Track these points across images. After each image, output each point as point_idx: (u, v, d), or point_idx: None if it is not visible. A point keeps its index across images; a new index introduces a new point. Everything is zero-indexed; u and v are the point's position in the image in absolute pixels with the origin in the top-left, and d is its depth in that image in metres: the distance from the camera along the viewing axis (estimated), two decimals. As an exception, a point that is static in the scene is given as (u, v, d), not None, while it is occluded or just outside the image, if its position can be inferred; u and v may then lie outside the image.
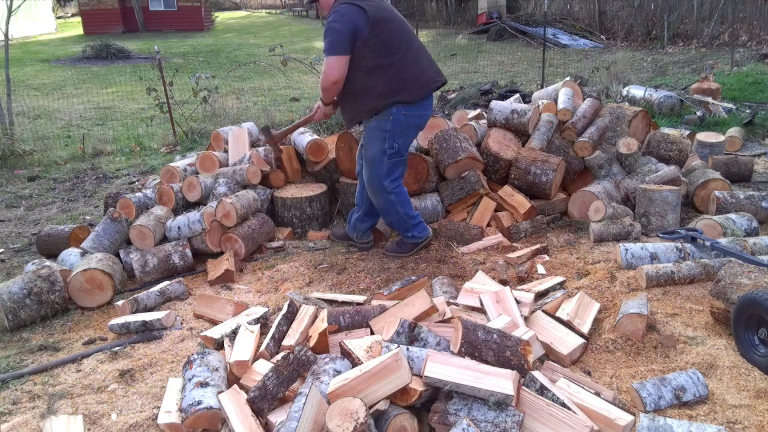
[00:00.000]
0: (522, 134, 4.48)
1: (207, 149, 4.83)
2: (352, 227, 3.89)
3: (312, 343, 2.43)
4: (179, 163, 4.53)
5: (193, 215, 3.80)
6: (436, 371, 1.96)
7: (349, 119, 3.64)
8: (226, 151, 4.58)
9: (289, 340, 2.52)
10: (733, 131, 5.89)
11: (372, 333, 2.56)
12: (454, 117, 4.84)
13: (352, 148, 4.25)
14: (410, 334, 2.22)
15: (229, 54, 17.49)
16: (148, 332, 2.96)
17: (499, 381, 1.95)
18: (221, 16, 32.74)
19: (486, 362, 2.07)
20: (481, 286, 2.92)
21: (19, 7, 8.39)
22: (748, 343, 2.44)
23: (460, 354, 2.11)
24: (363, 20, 3.23)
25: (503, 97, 6.83)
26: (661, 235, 3.43)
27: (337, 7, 3.29)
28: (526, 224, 3.94)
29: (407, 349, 2.12)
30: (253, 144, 4.83)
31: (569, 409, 2.01)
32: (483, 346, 2.11)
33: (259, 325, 2.73)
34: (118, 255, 3.75)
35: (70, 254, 3.70)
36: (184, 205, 4.10)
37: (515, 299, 2.71)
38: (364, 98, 3.41)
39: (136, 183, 5.74)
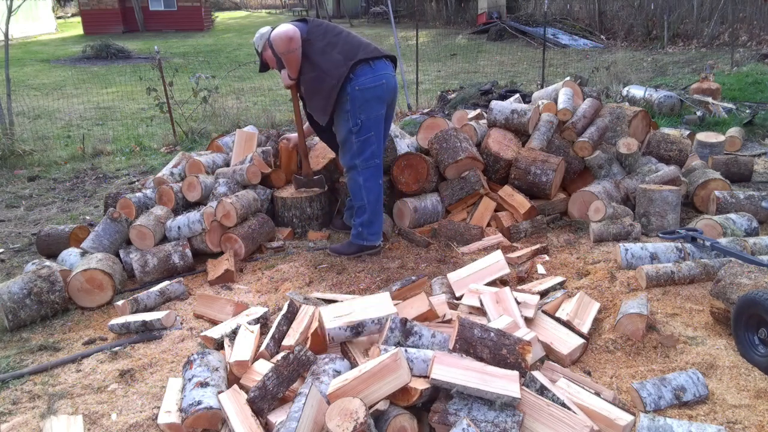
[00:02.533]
0: (522, 134, 4.48)
1: (208, 148, 4.85)
2: (349, 214, 4.06)
3: (307, 344, 2.43)
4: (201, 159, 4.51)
5: (193, 215, 3.80)
6: (443, 373, 1.96)
7: (320, 111, 3.65)
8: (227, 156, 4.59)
9: (289, 340, 2.52)
10: (733, 131, 5.89)
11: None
12: (454, 117, 4.84)
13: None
14: (403, 329, 2.22)
15: (229, 54, 17.49)
16: (148, 332, 2.96)
17: (506, 383, 1.95)
18: (221, 16, 32.75)
19: (481, 360, 2.07)
20: (483, 287, 2.92)
21: (19, 7, 8.39)
22: (748, 343, 2.44)
23: (454, 350, 2.12)
24: (302, 23, 3.59)
25: (503, 97, 6.83)
26: (661, 235, 3.43)
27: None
28: (526, 224, 3.94)
29: (406, 350, 2.12)
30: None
31: (569, 409, 2.01)
32: (478, 343, 2.11)
33: (259, 325, 2.73)
34: (118, 255, 3.75)
35: (70, 254, 3.70)
36: (184, 205, 4.10)
37: (518, 300, 2.71)
38: (328, 76, 3.50)
39: (136, 183, 5.74)
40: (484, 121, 4.76)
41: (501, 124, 4.51)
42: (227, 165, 4.42)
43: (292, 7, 36.57)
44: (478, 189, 4.06)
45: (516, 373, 2.00)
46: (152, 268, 3.60)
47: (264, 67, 3.90)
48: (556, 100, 4.72)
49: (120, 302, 3.16)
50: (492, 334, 2.15)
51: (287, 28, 3.50)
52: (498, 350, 2.11)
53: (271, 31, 3.68)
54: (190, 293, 3.44)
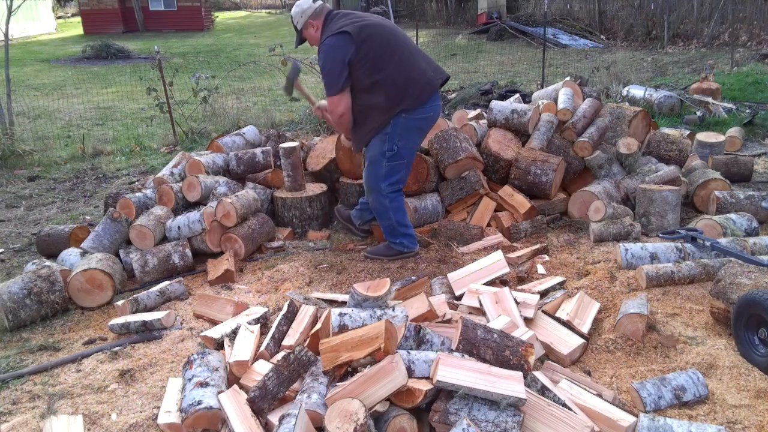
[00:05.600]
0: (522, 134, 4.48)
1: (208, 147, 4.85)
2: (357, 213, 4.00)
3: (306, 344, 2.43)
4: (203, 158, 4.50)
5: (193, 215, 3.80)
6: (448, 375, 1.95)
7: (357, 143, 3.58)
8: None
9: (289, 340, 2.52)
10: (733, 131, 5.89)
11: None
12: (454, 117, 4.85)
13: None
14: (417, 337, 2.23)
15: (229, 54, 17.48)
16: (148, 332, 2.96)
17: (512, 384, 1.95)
18: (221, 16, 32.72)
19: (485, 361, 2.07)
20: (482, 287, 2.92)
21: (19, 7, 8.39)
22: (748, 343, 2.44)
23: (457, 350, 2.12)
24: (349, 46, 3.24)
25: (503, 97, 6.83)
26: (661, 235, 3.43)
27: (324, 40, 3.31)
28: (526, 224, 3.94)
29: (408, 352, 2.12)
30: (254, 145, 4.85)
31: (570, 409, 2.01)
32: (481, 344, 2.11)
33: (259, 325, 2.74)
34: (118, 255, 3.75)
35: (70, 254, 3.70)
36: (184, 205, 4.09)
37: (517, 299, 2.71)
38: (371, 116, 3.39)
39: (136, 183, 5.74)
40: (484, 121, 4.76)
41: (501, 124, 4.51)
42: (227, 165, 4.42)
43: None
44: (478, 189, 4.06)
45: (520, 373, 2.01)
46: (152, 268, 3.60)
47: (301, 41, 3.59)
48: (556, 100, 4.72)
49: (120, 302, 3.16)
50: (495, 335, 2.15)
51: (338, 101, 3.27)
52: (501, 351, 2.11)
53: (315, 8, 3.39)
54: (190, 293, 3.44)
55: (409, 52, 3.43)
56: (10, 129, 7.15)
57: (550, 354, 2.52)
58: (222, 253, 3.81)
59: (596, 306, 2.84)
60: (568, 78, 6.30)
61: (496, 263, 3.14)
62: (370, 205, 3.68)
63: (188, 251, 3.72)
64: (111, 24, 25.33)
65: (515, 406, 1.93)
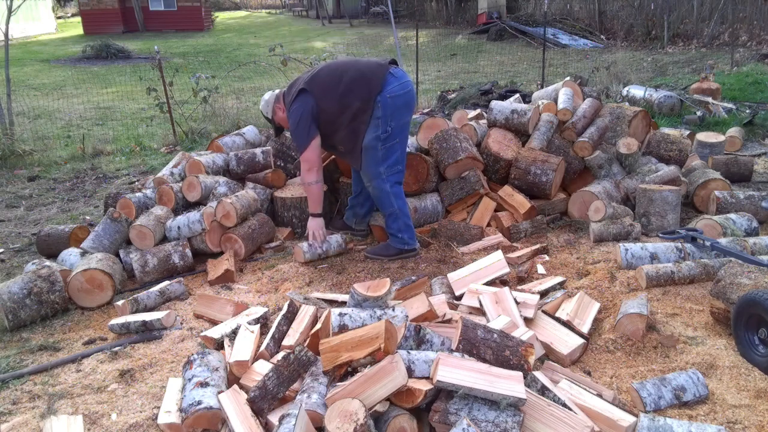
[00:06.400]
0: (522, 134, 4.48)
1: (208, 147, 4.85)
2: (350, 213, 4.08)
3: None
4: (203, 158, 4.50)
5: (193, 215, 3.80)
6: (449, 375, 1.95)
7: (354, 160, 3.69)
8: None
9: (289, 340, 2.52)
10: (733, 131, 5.89)
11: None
12: (454, 117, 4.84)
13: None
14: (417, 337, 2.23)
15: (229, 54, 17.49)
16: (148, 332, 2.96)
17: (512, 384, 1.95)
18: (221, 16, 32.73)
19: (485, 361, 2.07)
20: (482, 287, 2.92)
21: (19, 7, 8.39)
22: (748, 343, 2.44)
23: (457, 350, 2.12)
24: (309, 98, 3.51)
25: (503, 97, 6.83)
26: (661, 235, 3.43)
27: (290, 108, 3.57)
28: (526, 224, 3.94)
29: (408, 352, 2.12)
30: (254, 145, 4.85)
31: (570, 409, 2.01)
32: (481, 344, 2.11)
33: (259, 325, 2.74)
34: (118, 255, 3.75)
35: (70, 254, 3.70)
36: (184, 205, 4.09)
37: (517, 299, 2.71)
38: (358, 123, 3.53)
39: (136, 183, 5.74)
40: (484, 121, 4.75)
41: (501, 124, 4.51)
42: (227, 165, 4.42)
43: (292, 7, 36.56)
44: (478, 189, 4.06)
45: (520, 373, 2.01)
46: (152, 268, 3.60)
47: (279, 130, 3.93)
48: (556, 100, 4.72)
49: (120, 302, 3.16)
50: (495, 335, 2.15)
51: (310, 155, 3.51)
52: (501, 351, 2.11)
53: (275, 95, 3.76)
54: (190, 293, 3.44)
55: (354, 60, 3.77)
56: (10, 129, 7.15)
57: (550, 354, 2.52)
58: (222, 253, 3.81)
59: (596, 306, 2.84)
60: (568, 78, 6.30)
61: (496, 263, 3.14)
62: (371, 195, 3.73)
63: (188, 251, 3.72)
64: (111, 24, 25.34)
65: (515, 406, 1.93)
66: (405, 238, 3.66)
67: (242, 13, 37.60)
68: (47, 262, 3.50)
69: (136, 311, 3.16)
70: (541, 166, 4.08)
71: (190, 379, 2.30)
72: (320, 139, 3.56)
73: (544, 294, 2.96)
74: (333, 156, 4.40)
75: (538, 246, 3.65)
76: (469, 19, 21.92)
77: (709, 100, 7.13)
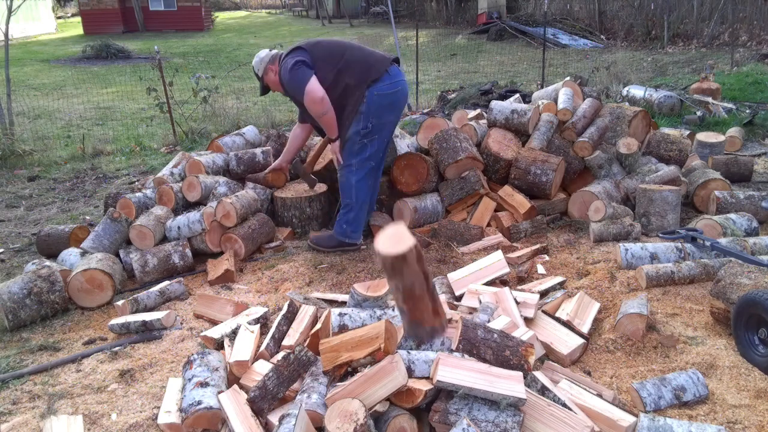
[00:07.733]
0: (522, 134, 4.48)
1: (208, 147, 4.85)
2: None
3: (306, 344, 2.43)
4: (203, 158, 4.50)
5: (193, 215, 3.80)
6: (449, 375, 1.96)
7: (336, 132, 3.69)
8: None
9: (289, 340, 2.52)
10: (733, 131, 5.89)
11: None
12: (454, 117, 4.84)
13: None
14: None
15: (229, 54, 17.49)
16: (148, 332, 2.96)
17: (512, 384, 1.95)
18: (221, 16, 32.73)
19: (485, 361, 2.07)
20: (482, 287, 2.92)
21: (19, 7, 8.39)
22: (748, 343, 2.44)
23: (457, 350, 2.12)
24: (304, 53, 3.54)
25: (503, 97, 6.83)
26: (661, 235, 3.43)
27: (282, 64, 3.58)
28: (526, 224, 3.94)
29: (408, 352, 2.12)
30: (254, 145, 4.85)
31: (570, 409, 2.01)
32: (482, 344, 2.11)
33: (259, 325, 2.74)
34: (118, 255, 3.75)
35: (70, 254, 3.70)
36: (184, 205, 4.09)
37: (517, 299, 2.71)
38: (348, 98, 3.55)
39: (136, 183, 5.74)
40: (484, 121, 4.75)
41: (501, 124, 4.50)
42: (227, 165, 4.42)
43: (292, 7, 36.56)
44: (478, 189, 4.06)
45: (520, 373, 2.01)
46: (152, 268, 3.60)
47: (265, 90, 3.90)
48: (556, 100, 4.72)
49: (120, 302, 3.16)
50: (495, 335, 2.15)
51: (313, 86, 3.43)
52: (501, 351, 2.11)
53: (271, 54, 3.72)
54: (190, 293, 3.44)
55: (361, 45, 3.79)
56: (10, 129, 7.15)
57: (550, 354, 2.52)
58: (222, 253, 3.81)
59: (596, 306, 2.84)
60: (568, 78, 6.30)
61: (496, 263, 3.14)
62: (339, 182, 3.79)
63: (188, 251, 3.72)
64: (111, 24, 25.34)
65: (515, 406, 1.93)
66: (349, 231, 3.75)
67: (242, 13, 37.61)
68: (47, 262, 3.49)
69: (136, 311, 3.16)
70: (541, 166, 4.08)
71: (190, 379, 2.30)
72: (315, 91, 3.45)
73: (544, 294, 2.96)
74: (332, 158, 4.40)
75: (538, 246, 3.65)
76: (469, 19, 21.92)
77: (709, 100, 7.12)
